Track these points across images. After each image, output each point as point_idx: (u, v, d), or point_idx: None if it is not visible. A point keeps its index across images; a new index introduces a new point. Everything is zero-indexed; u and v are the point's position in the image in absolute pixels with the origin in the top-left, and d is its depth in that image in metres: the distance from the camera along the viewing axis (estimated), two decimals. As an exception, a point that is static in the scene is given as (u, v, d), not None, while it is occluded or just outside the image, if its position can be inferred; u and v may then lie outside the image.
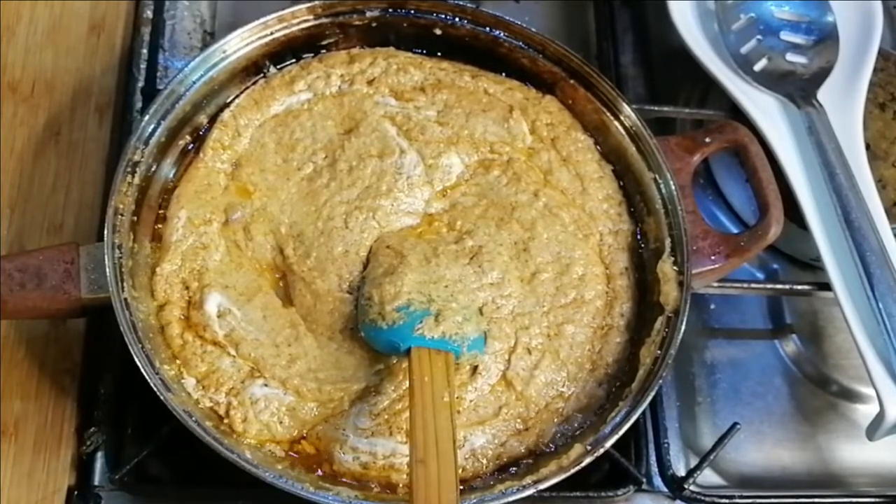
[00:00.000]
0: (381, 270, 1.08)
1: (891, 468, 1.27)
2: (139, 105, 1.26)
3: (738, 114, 1.29)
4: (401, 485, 1.02)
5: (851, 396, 1.29)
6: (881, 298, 1.13)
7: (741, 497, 1.15)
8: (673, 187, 1.15)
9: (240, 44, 1.17)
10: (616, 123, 1.20)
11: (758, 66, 1.31)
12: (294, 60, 1.23)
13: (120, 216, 1.05)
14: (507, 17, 1.22)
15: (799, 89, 1.29)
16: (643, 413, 1.11)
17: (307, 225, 1.12)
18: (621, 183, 1.21)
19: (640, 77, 1.46)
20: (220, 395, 1.03)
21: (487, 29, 1.23)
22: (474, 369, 1.07)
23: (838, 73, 1.31)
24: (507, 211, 1.15)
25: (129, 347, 0.98)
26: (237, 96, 1.20)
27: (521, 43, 1.23)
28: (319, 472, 1.02)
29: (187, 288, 1.08)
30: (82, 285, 1.02)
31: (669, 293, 1.10)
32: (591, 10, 1.47)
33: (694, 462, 1.16)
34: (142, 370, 0.97)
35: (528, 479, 0.99)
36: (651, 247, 1.17)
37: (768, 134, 1.26)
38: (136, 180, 1.08)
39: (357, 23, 1.23)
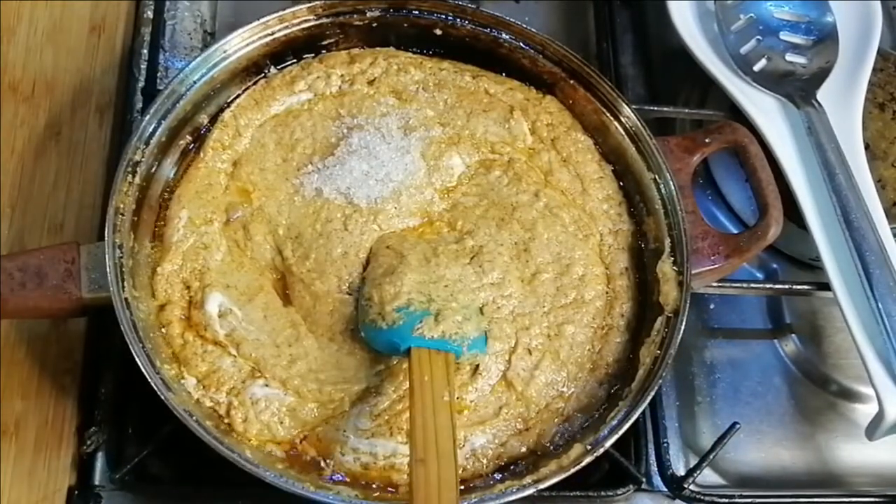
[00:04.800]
0: (381, 271, 1.08)
1: (890, 468, 1.27)
2: (140, 105, 1.27)
3: (737, 114, 1.29)
4: (402, 485, 1.02)
5: (851, 396, 1.29)
6: (880, 298, 1.13)
7: (741, 497, 1.15)
8: (672, 187, 1.15)
9: (240, 44, 1.17)
10: (616, 124, 1.21)
11: (757, 67, 1.31)
12: (294, 60, 1.23)
13: (120, 216, 1.06)
14: (508, 18, 1.22)
15: (798, 89, 1.29)
16: (643, 413, 1.11)
17: (305, 227, 1.12)
18: (621, 183, 1.21)
19: (640, 77, 1.46)
20: (220, 395, 1.03)
21: (488, 29, 1.23)
22: (475, 370, 1.07)
23: (838, 74, 1.31)
24: (507, 211, 1.15)
25: (130, 347, 0.98)
26: (238, 96, 1.20)
27: (521, 43, 1.23)
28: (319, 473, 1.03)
29: (188, 288, 1.08)
30: (83, 285, 1.03)
31: (669, 293, 1.11)
32: (591, 11, 1.47)
33: (694, 462, 1.16)
34: (142, 370, 0.97)
35: (528, 479, 0.99)
36: (651, 247, 1.17)
37: (768, 134, 1.26)
38: (137, 180, 1.09)
39: (357, 23, 1.23)
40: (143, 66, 1.30)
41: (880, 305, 1.13)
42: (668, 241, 1.14)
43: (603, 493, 1.12)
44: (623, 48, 1.45)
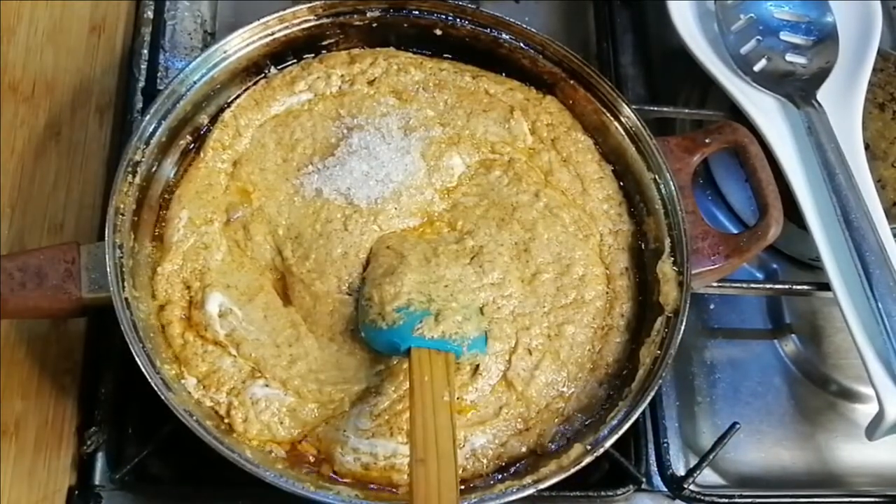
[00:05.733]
0: (381, 271, 1.08)
1: (890, 468, 1.27)
2: (140, 105, 1.27)
3: (737, 114, 1.29)
4: (402, 485, 1.02)
5: (851, 396, 1.29)
6: (880, 298, 1.13)
7: (741, 497, 1.15)
8: (673, 188, 1.15)
9: (240, 44, 1.17)
10: (616, 124, 1.21)
11: (757, 67, 1.31)
12: (295, 61, 1.23)
13: (121, 216, 1.06)
14: (508, 18, 1.22)
15: (798, 89, 1.29)
16: (643, 413, 1.11)
17: (305, 227, 1.12)
18: (621, 183, 1.21)
19: (640, 77, 1.46)
20: (220, 395, 1.03)
21: (488, 29, 1.23)
22: (475, 370, 1.07)
23: (838, 74, 1.32)
24: (507, 211, 1.15)
25: (130, 347, 0.98)
26: (238, 96, 1.20)
27: (521, 43, 1.23)
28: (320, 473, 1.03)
29: (188, 288, 1.08)
30: (83, 285, 1.03)
31: (669, 293, 1.11)
32: (591, 11, 1.47)
33: (694, 462, 1.16)
34: (142, 370, 0.97)
35: (528, 479, 0.99)
36: (651, 247, 1.17)
37: (768, 134, 1.26)
38: (137, 180, 1.09)
39: (357, 23, 1.23)
40: (143, 66, 1.30)
41: (880, 305, 1.13)
42: (668, 241, 1.14)
43: (603, 493, 1.12)
44: (623, 48, 1.45)
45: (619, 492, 1.12)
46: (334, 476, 1.02)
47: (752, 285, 1.28)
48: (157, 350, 1.02)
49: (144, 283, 1.07)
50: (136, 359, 0.98)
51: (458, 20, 1.23)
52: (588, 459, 1.00)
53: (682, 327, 1.07)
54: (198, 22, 1.39)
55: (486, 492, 0.99)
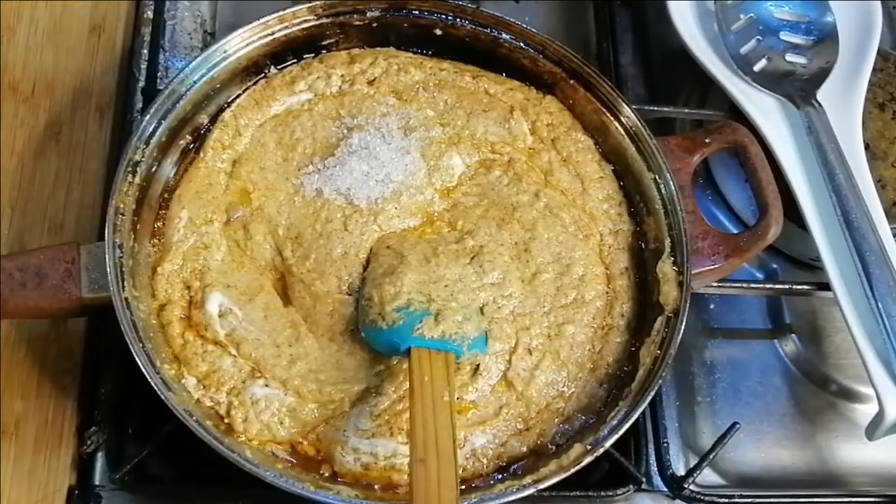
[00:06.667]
0: (381, 271, 1.08)
1: (890, 468, 1.27)
2: (140, 105, 1.27)
3: (737, 114, 1.29)
4: (402, 485, 1.02)
5: (851, 396, 1.29)
6: (880, 298, 1.13)
7: (741, 497, 1.15)
8: (673, 187, 1.15)
9: (240, 44, 1.18)
10: (616, 124, 1.21)
11: (757, 67, 1.31)
12: (295, 60, 1.23)
13: (121, 216, 1.06)
14: (508, 18, 1.22)
15: (798, 89, 1.29)
16: (643, 413, 1.11)
17: (305, 227, 1.12)
18: (621, 183, 1.21)
19: (640, 77, 1.46)
20: (220, 395, 1.03)
21: (488, 29, 1.23)
22: (475, 370, 1.07)
23: (838, 74, 1.32)
24: (508, 211, 1.15)
25: (130, 347, 0.98)
26: (238, 96, 1.20)
27: (521, 43, 1.23)
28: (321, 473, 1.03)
29: (188, 287, 1.08)
30: (83, 285, 1.03)
31: (669, 293, 1.11)
32: (591, 11, 1.47)
33: (694, 462, 1.16)
34: (142, 370, 0.97)
35: (528, 479, 0.99)
36: (651, 247, 1.17)
37: (768, 134, 1.26)
38: (137, 180, 1.09)
39: (357, 23, 1.23)
40: (143, 66, 1.30)
41: (880, 305, 1.13)
42: (668, 241, 1.14)
43: (603, 493, 1.12)
44: (623, 48, 1.45)
45: (619, 492, 1.12)
46: (334, 476, 1.02)
47: (752, 285, 1.29)
48: (157, 350, 1.02)
49: (144, 282, 1.07)
50: (136, 359, 0.98)
51: (458, 20, 1.23)
52: (588, 459, 1.00)
53: (682, 327, 1.07)
54: (198, 22, 1.39)
55: (486, 492, 0.99)
